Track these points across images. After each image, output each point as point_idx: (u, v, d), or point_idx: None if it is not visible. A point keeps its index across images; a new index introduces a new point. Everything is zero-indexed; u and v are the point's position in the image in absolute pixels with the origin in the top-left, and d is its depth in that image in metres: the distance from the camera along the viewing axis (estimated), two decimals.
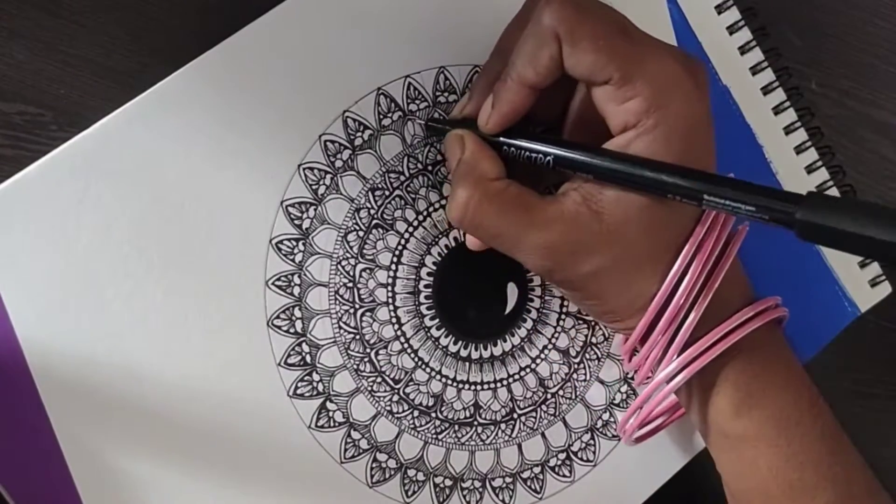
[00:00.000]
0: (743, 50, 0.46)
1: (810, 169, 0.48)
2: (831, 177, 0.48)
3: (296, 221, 0.40)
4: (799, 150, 0.48)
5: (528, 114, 0.37)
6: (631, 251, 0.35)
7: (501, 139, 0.37)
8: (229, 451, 0.39)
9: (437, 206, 0.42)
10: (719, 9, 0.46)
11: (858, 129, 0.51)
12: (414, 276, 0.42)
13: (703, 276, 0.36)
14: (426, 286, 0.42)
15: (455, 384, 0.43)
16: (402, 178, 0.42)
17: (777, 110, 0.47)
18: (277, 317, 0.40)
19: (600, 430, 0.44)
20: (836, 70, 0.51)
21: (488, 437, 0.43)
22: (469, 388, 0.43)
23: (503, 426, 0.43)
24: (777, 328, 0.39)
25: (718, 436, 0.38)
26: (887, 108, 0.52)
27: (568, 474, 0.44)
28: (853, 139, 0.51)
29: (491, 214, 0.36)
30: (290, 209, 0.40)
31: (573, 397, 0.44)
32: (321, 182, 0.40)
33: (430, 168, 0.42)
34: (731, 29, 0.46)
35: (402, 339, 0.42)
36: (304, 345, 0.40)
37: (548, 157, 0.36)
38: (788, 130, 0.47)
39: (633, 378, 0.45)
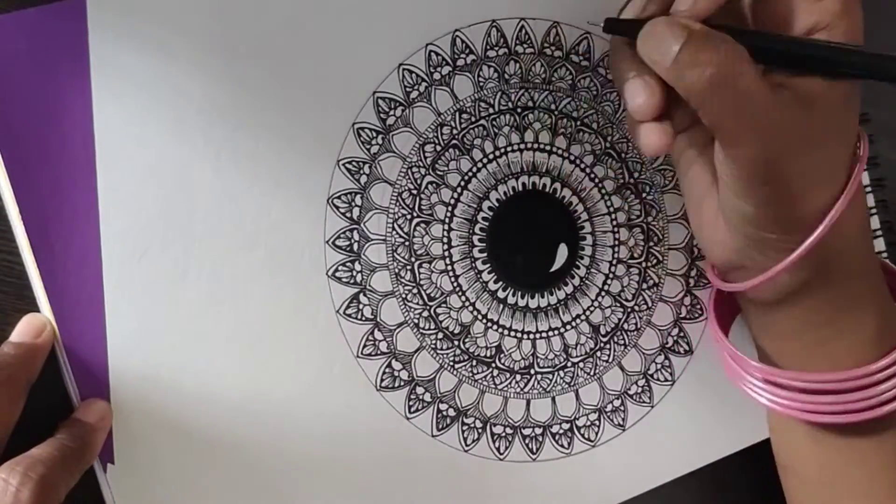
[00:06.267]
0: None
1: None
2: None
3: (381, 115, 0.40)
4: None
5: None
6: (828, 157, 0.35)
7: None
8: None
9: (515, 147, 0.43)
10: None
11: None
12: (476, 205, 0.42)
13: None
14: (484, 218, 0.42)
15: (485, 320, 0.42)
16: (491, 110, 0.42)
17: None
18: (339, 197, 0.40)
19: (608, 413, 0.44)
20: None
21: (501, 382, 0.42)
22: (496, 329, 0.42)
23: (518, 377, 0.43)
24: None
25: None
26: None
27: (567, 445, 0.43)
28: None
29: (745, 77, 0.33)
30: (381, 101, 0.40)
31: (591, 374, 0.44)
32: (415, 87, 0.41)
33: (518, 111, 0.43)
34: None
35: (448, 261, 0.42)
36: (355, 232, 0.40)
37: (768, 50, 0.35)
38: None
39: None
